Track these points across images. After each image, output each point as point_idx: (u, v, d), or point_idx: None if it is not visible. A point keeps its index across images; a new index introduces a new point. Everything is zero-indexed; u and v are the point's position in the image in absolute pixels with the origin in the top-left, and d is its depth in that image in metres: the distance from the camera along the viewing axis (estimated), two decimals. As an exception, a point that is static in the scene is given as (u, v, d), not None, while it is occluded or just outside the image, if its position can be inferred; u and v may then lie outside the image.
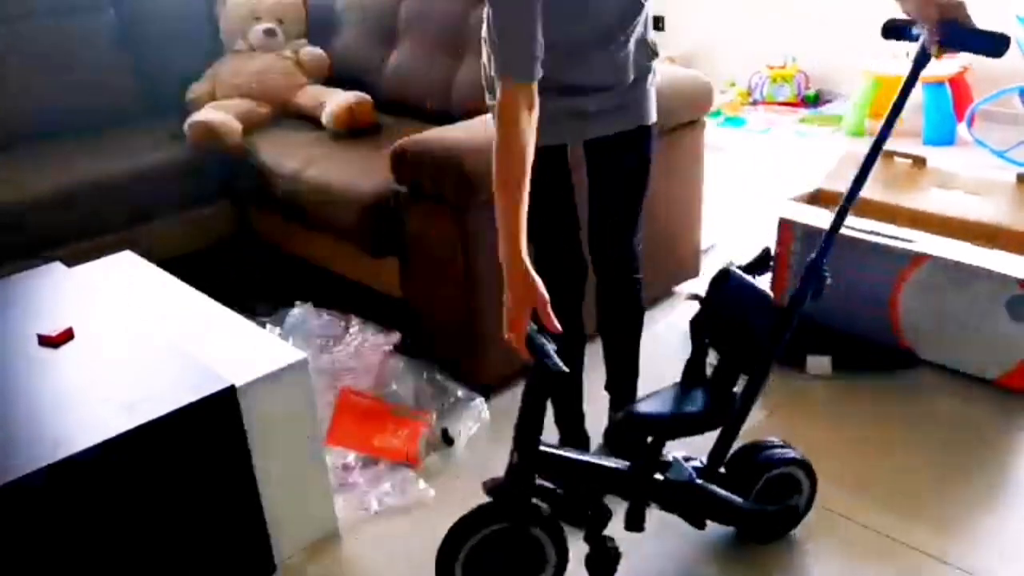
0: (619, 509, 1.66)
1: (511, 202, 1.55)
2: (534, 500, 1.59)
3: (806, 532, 1.82)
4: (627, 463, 1.65)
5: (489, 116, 2.32)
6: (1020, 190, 2.50)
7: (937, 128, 4.01)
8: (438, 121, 2.48)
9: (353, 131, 2.82)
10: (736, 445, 1.72)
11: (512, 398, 2.29)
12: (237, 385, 1.65)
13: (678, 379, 1.74)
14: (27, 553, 1.45)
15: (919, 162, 2.70)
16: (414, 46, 2.98)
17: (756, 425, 2.01)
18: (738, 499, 1.71)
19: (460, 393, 2.28)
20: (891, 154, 2.75)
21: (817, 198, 2.67)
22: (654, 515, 1.69)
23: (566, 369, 1.44)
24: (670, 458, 1.67)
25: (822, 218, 2.48)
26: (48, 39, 2.99)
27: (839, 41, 4.65)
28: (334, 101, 2.87)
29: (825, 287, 1.65)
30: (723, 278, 1.73)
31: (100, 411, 1.55)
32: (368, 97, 2.88)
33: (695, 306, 1.76)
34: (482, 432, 2.20)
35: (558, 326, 1.47)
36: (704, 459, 1.72)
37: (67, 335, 1.79)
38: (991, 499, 1.90)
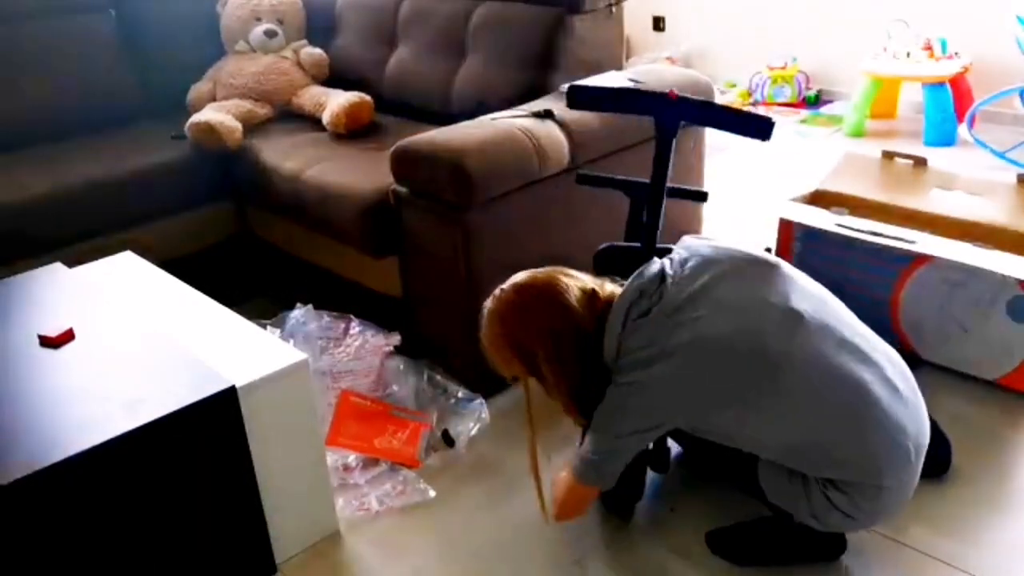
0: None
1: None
2: None
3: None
4: None
5: (487, 118, 2.34)
6: (1020, 191, 2.50)
7: (938, 129, 4.00)
8: (439, 121, 2.49)
9: (353, 132, 2.82)
10: None
11: (512, 398, 2.30)
12: (237, 385, 1.65)
13: None
14: (28, 553, 1.45)
15: (920, 163, 2.70)
16: (414, 46, 2.98)
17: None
18: None
19: (460, 393, 2.27)
20: (892, 155, 2.75)
21: (817, 198, 2.68)
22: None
23: None
24: None
25: (822, 218, 2.48)
26: (48, 39, 2.99)
27: (839, 41, 4.66)
28: (334, 102, 2.87)
29: None
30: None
31: (101, 411, 1.55)
32: (368, 97, 2.88)
33: None
34: (482, 433, 2.19)
35: None
36: None
37: (67, 336, 1.79)
38: (993, 500, 1.89)
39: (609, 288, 1.69)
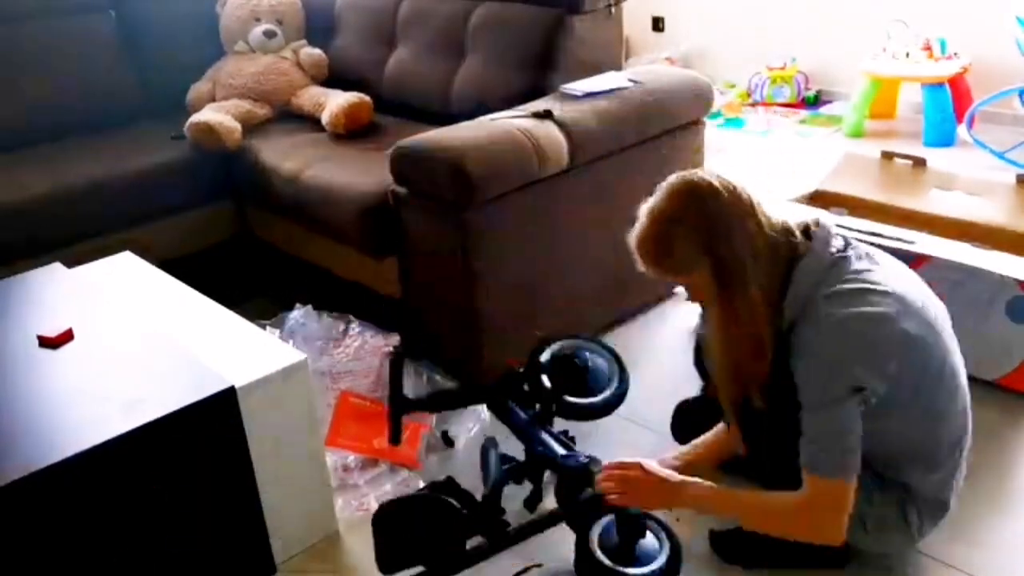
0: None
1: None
2: None
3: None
4: None
5: (487, 118, 2.34)
6: (1020, 191, 2.50)
7: (937, 129, 4.00)
8: (438, 122, 2.49)
9: (352, 132, 2.82)
10: None
11: (512, 399, 2.30)
12: (237, 386, 1.65)
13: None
14: (27, 553, 1.45)
15: (919, 163, 2.70)
16: (414, 46, 2.98)
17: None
18: None
19: (460, 394, 2.27)
20: (891, 155, 2.75)
21: (816, 198, 2.68)
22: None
23: None
24: None
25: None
26: (48, 39, 2.99)
27: (839, 42, 4.66)
28: (334, 102, 2.87)
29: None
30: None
31: (100, 412, 1.55)
32: (367, 98, 2.88)
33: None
34: (482, 433, 2.18)
35: None
36: None
37: (67, 336, 1.79)
38: (993, 500, 1.89)
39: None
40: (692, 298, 1.63)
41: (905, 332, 1.49)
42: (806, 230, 1.58)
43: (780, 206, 1.72)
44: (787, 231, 1.56)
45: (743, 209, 1.51)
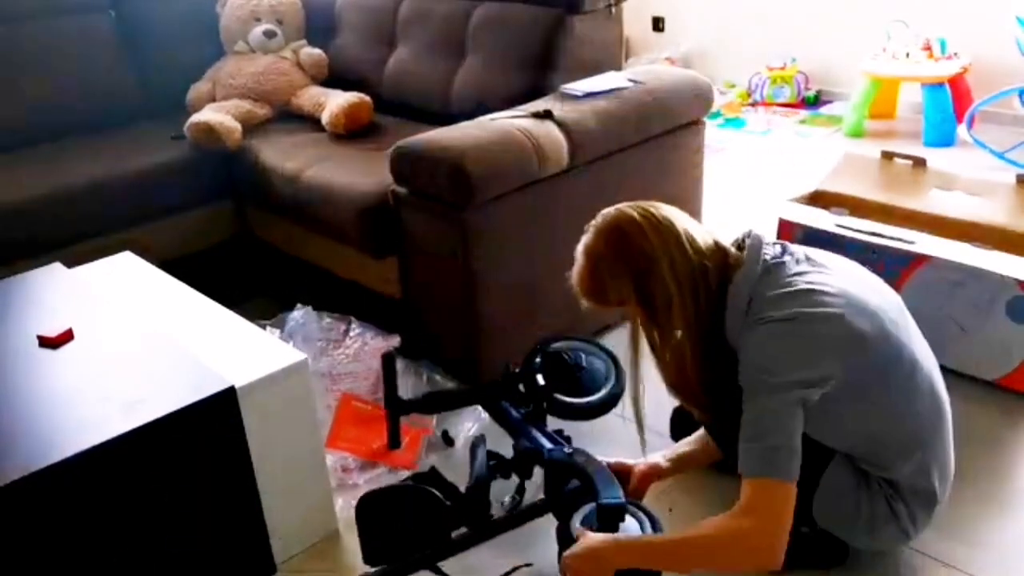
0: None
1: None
2: None
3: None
4: None
5: (486, 118, 2.34)
6: (1020, 191, 2.50)
7: (937, 129, 4.00)
8: (438, 122, 2.49)
9: (352, 132, 2.82)
10: None
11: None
12: (237, 386, 1.65)
13: None
14: (26, 554, 1.45)
15: (919, 163, 2.70)
16: (414, 46, 2.98)
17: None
18: None
19: (460, 394, 2.27)
20: (891, 155, 2.75)
21: (817, 198, 2.68)
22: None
23: None
24: None
25: (822, 218, 2.48)
26: (48, 39, 2.99)
27: (839, 42, 4.66)
28: (334, 102, 2.87)
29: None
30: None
31: (100, 412, 1.55)
32: (367, 98, 2.88)
33: None
34: (482, 433, 2.19)
35: None
36: None
37: (67, 336, 1.79)
38: (993, 500, 1.89)
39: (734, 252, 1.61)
40: (633, 324, 1.68)
41: (856, 329, 1.50)
42: (740, 246, 1.61)
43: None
44: (719, 253, 1.58)
45: (667, 241, 1.54)
